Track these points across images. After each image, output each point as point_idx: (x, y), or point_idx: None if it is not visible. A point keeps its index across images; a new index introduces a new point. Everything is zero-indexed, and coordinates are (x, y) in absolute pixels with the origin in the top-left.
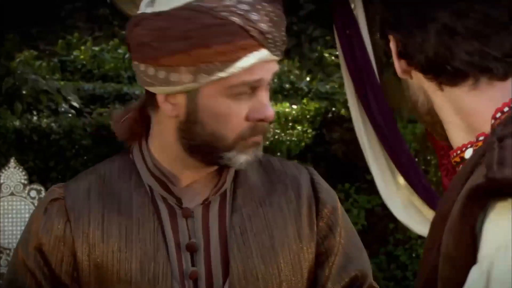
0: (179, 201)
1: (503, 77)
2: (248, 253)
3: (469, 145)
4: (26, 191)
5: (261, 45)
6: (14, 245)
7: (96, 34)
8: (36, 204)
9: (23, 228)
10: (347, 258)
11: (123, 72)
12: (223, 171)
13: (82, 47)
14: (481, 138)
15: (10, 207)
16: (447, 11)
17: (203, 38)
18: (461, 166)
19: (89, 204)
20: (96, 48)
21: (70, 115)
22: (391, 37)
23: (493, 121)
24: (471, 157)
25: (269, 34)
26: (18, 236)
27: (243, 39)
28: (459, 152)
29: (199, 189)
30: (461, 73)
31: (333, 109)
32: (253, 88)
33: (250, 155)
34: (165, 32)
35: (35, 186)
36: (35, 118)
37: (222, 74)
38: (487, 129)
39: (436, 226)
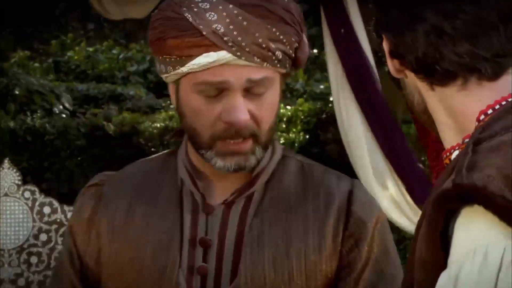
0: (203, 197)
1: (493, 77)
2: (259, 257)
3: (456, 147)
4: (20, 192)
5: (219, 46)
6: (9, 246)
7: (90, 35)
8: (30, 205)
9: (17, 228)
10: (379, 276)
11: (117, 72)
12: (253, 174)
13: (76, 48)
14: (466, 140)
15: (4, 208)
16: (435, 12)
17: (162, 30)
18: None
19: (122, 191)
20: (90, 49)
21: (64, 115)
22: (384, 37)
23: (477, 123)
24: (453, 160)
25: (228, 37)
26: (12, 237)
27: (194, 36)
28: (448, 154)
29: (225, 188)
30: (450, 74)
31: (327, 109)
32: (219, 89)
33: (231, 163)
34: (151, 23)
35: (29, 186)
36: (29, 118)
37: (182, 69)
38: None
39: (417, 230)
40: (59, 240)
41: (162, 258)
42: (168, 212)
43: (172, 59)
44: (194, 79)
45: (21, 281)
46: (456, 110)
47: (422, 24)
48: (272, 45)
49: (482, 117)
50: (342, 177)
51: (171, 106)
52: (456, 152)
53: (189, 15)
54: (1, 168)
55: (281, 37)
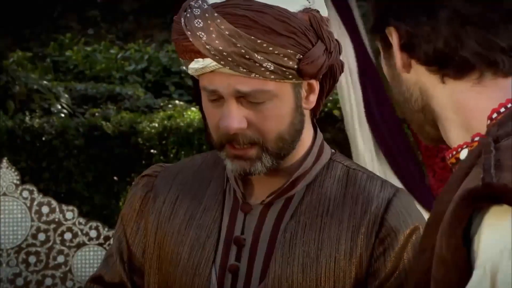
0: (244, 195)
1: (508, 73)
2: (289, 260)
3: (464, 146)
4: (19, 192)
5: (205, 54)
6: (7, 245)
7: (88, 34)
8: (28, 205)
9: (15, 228)
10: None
11: (114, 72)
12: (294, 176)
13: (75, 48)
14: (476, 138)
15: (2, 208)
16: (468, 3)
17: (172, 32)
18: (456, 167)
19: (172, 185)
20: (88, 49)
21: (63, 115)
22: (391, 30)
23: (489, 121)
24: (466, 158)
25: (210, 45)
26: (11, 236)
27: (185, 41)
28: (454, 153)
29: (266, 188)
30: (468, 65)
31: (325, 109)
32: (215, 96)
33: (236, 167)
34: None
35: (27, 186)
36: (27, 118)
37: (189, 71)
38: (483, 129)
39: (431, 227)
40: (57, 239)
41: (198, 254)
42: (210, 208)
43: (184, 61)
44: (200, 83)
45: (20, 281)
46: (467, 106)
47: (444, 11)
48: (258, 56)
49: (494, 115)
50: (387, 185)
51: (169, 106)
52: (465, 151)
53: (183, 20)
54: None
55: (271, 48)
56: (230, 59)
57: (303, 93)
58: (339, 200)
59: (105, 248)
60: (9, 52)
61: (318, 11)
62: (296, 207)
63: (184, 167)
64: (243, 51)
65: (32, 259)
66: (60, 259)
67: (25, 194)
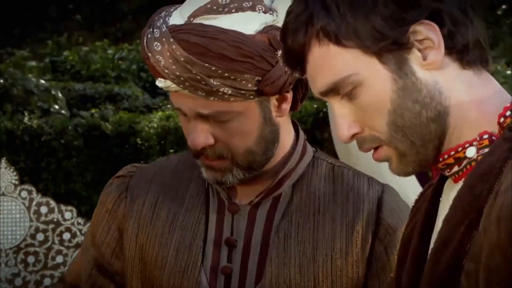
0: (229, 196)
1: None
2: (286, 260)
3: (467, 144)
4: (17, 192)
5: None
6: (6, 245)
7: (86, 34)
8: (27, 205)
9: (14, 228)
10: None
11: (111, 72)
12: (280, 175)
13: (72, 48)
14: (486, 136)
15: (1, 208)
16: None
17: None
18: (479, 162)
19: (150, 186)
20: (85, 48)
21: (61, 115)
22: (425, 23)
23: (502, 119)
24: (493, 152)
25: (168, 70)
26: (9, 236)
27: (148, 60)
28: (453, 153)
29: (252, 188)
30: (482, 53)
31: (324, 109)
32: (182, 112)
33: (208, 176)
34: None
35: (26, 186)
36: (26, 118)
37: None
38: (489, 127)
39: (452, 222)
40: (56, 239)
41: (185, 257)
42: (193, 210)
43: None
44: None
45: (18, 281)
46: (479, 100)
47: (472, 8)
48: (214, 82)
49: (508, 113)
50: (373, 181)
51: (168, 106)
52: (473, 148)
53: (145, 40)
54: None
55: (226, 74)
56: (188, 83)
57: (274, 103)
58: (329, 198)
59: None
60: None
61: (279, 28)
62: (286, 207)
63: (160, 167)
64: (198, 77)
65: (31, 259)
66: (59, 259)
67: (24, 194)
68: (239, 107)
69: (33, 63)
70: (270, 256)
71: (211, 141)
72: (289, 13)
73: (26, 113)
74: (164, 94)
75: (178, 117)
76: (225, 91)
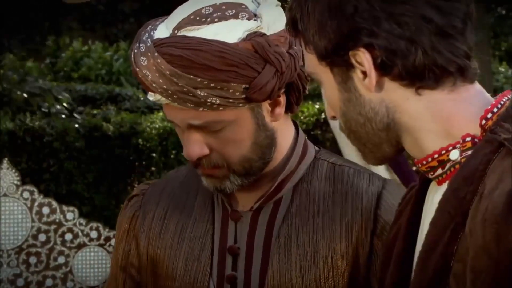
0: (232, 204)
1: (472, 79)
2: (287, 265)
3: (451, 147)
4: (19, 192)
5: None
6: (7, 246)
7: (87, 35)
8: (29, 205)
9: (16, 229)
10: None
11: (107, 72)
12: (279, 178)
13: (71, 48)
14: (468, 139)
15: (3, 208)
16: (437, 11)
17: None
18: (462, 164)
19: (159, 200)
20: (86, 49)
21: (63, 116)
22: (359, 51)
23: (484, 121)
24: (476, 155)
25: (155, 84)
26: (11, 237)
27: (135, 74)
28: (437, 156)
29: (254, 194)
30: (445, 74)
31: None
32: (176, 124)
33: (208, 184)
34: None
35: (28, 187)
36: (28, 119)
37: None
38: (470, 130)
39: (438, 225)
40: (58, 240)
41: (194, 267)
42: (200, 220)
43: None
44: None
45: (20, 281)
46: (446, 114)
47: (418, 21)
48: (200, 93)
49: (489, 115)
50: (374, 178)
51: None
52: (456, 151)
53: (133, 54)
54: (0, 169)
55: (212, 84)
56: (176, 96)
57: (267, 108)
58: (329, 199)
59: (105, 249)
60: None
61: (263, 34)
62: (286, 210)
63: (170, 179)
64: (185, 89)
65: (33, 259)
66: (61, 259)
67: (26, 195)
68: (230, 116)
69: (30, 63)
70: (271, 262)
71: (205, 151)
72: None
73: (28, 114)
74: None
75: None
76: (213, 101)
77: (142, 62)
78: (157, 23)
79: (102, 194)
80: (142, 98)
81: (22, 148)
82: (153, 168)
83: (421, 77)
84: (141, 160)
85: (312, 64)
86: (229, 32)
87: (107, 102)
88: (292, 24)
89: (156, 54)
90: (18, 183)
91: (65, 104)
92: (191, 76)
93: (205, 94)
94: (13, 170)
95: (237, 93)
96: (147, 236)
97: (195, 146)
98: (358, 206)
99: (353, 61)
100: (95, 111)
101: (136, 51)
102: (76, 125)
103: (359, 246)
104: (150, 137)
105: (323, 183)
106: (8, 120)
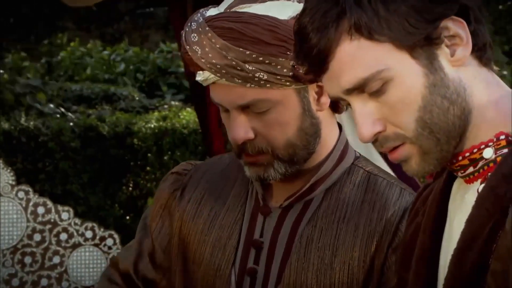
0: (265, 198)
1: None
2: (304, 266)
3: (483, 145)
4: (14, 192)
5: (203, 68)
6: (2, 246)
7: (83, 34)
8: (24, 205)
9: (11, 228)
10: None
11: (108, 72)
12: (313, 180)
13: (68, 48)
14: (502, 137)
15: None
16: None
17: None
18: (493, 165)
19: (199, 183)
20: (82, 49)
21: (58, 115)
22: (454, 18)
23: None
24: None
25: (204, 59)
26: (6, 237)
27: (186, 54)
28: (468, 154)
29: (287, 191)
30: (488, 50)
31: None
32: (222, 107)
33: (251, 173)
34: None
35: (23, 187)
36: (23, 119)
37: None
38: (504, 127)
39: (475, 223)
40: (53, 240)
41: (219, 256)
42: (233, 209)
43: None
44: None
45: (15, 281)
46: (497, 99)
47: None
48: (249, 67)
49: None
50: (405, 192)
51: (165, 106)
52: (490, 150)
53: (184, 34)
54: None
55: (261, 58)
56: (224, 71)
57: (313, 96)
58: (357, 206)
59: (100, 249)
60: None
61: None
62: (314, 212)
63: (213, 165)
64: (234, 63)
65: (28, 259)
66: (56, 259)
67: (21, 194)
68: (277, 96)
69: (29, 63)
70: (290, 260)
71: (250, 135)
72: (309, 12)
73: (23, 114)
74: (160, 95)
75: (174, 117)
76: (260, 76)
77: (192, 39)
78: (209, 7)
79: (97, 194)
80: (137, 98)
81: (17, 148)
82: (148, 168)
83: (485, 49)
84: (137, 160)
85: (384, 58)
86: (280, 10)
87: (102, 102)
88: (343, 33)
89: (207, 28)
90: (13, 183)
91: (59, 102)
92: (241, 49)
93: (253, 68)
94: (8, 170)
95: (285, 70)
96: (180, 217)
97: (240, 129)
98: (383, 217)
99: (442, 34)
100: (90, 111)
101: (187, 29)
102: (71, 125)
103: (376, 256)
104: (146, 137)
105: (355, 191)
106: (3, 120)
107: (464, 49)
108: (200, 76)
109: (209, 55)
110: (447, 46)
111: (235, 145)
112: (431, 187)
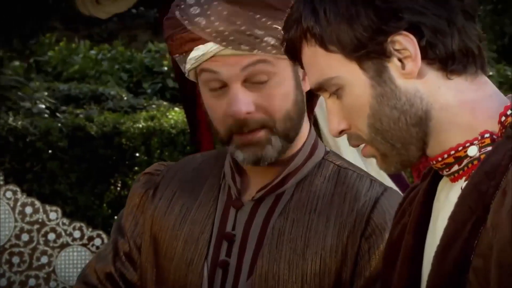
0: (238, 192)
1: (486, 71)
2: (276, 257)
3: (468, 144)
4: (2, 192)
5: (206, 39)
6: None
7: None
8: (11, 205)
9: None
10: None
11: (92, 72)
12: (285, 173)
13: (56, 48)
14: (487, 135)
15: None
16: None
17: (165, 32)
18: (477, 162)
19: (171, 182)
20: (70, 48)
21: (46, 115)
22: (400, 35)
23: (504, 118)
24: (497, 150)
25: (209, 28)
26: None
27: (182, 32)
28: (453, 152)
29: (260, 184)
30: (470, 58)
31: None
32: (220, 83)
33: (248, 154)
34: None
35: (11, 187)
36: (11, 119)
37: (187, 66)
38: (489, 126)
39: (458, 219)
40: (41, 240)
41: (191, 249)
42: (205, 204)
43: (179, 58)
44: (199, 74)
45: (3, 281)
46: (470, 106)
47: (458, 4)
48: (259, 32)
49: (509, 112)
50: (375, 184)
51: (153, 106)
52: (474, 147)
53: (178, 12)
54: None
55: (269, 23)
56: (232, 38)
57: (301, 71)
58: (328, 198)
59: (88, 249)
60: None
61: None
62: (285, 204)
63: (185, 164)
64: (243, 28)
65: (16, 259)
66: (44, 259)
67: (9, 194)
68: (277, 65)
69: (17, 63)
70: (262, 252)
71: (251, 108)
72: (292, 6)
73: (10, 114)
74: (148, 95)
75: (162, 117)
76: (268, 41)
77: (193, 12)
78: None
79: (85, 194)
80: (125, 98)
81: (5, 148)
82: (136, 168)
83: (453, 60)
84: (125, 159)
85: (335, 66)
86: None
87: (90, 101)
88: (301, 37)
89: (216, 1)
90: (1, 182)
91: (48, 100)
92: (250, 13)
93: (262, 33)
94: None
95: None
96: (152, 214)
97: (242, 102)
98: (354, 207)
99: (391, 48)
100: (78, 111)
101: (183, 6)
102: (59, 125)
103: (349, 246)
104: (134, 137)
105: (325, 184)
106: None
107: (414, 63)
108: (198, 51)
109: (216, 23)
110: (399, 59)
111: (235, 122)
112: (418, 188)
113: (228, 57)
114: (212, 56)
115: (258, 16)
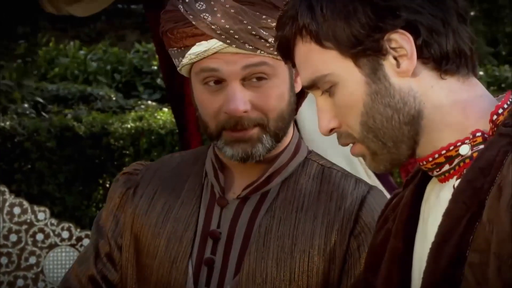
0: (222, 190)
1: (476, 73)
2: (264, 254)
3: (459, 143)
4: None
5: (210, 35)
6: None
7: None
8: (0, 206)
9: None
10: None
11: (82, 72)
12: (270, 171)
13: (44, 48)
14: (478, 134)
15: None
16: None
17: (163, 24)
18: (469, 161)
19: (151, 181)
20: (59, 48)
21: (33, 115)
22: (400, 32)
23: (495, 116)
24: (491, 147)
25: (215, 25)
26: None
27: (186, 26)
28: (444, 152)
29: (244, 182)
30: (463, 59)
31: None
32: (218, 79)
33: (238, 151)
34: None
35: None
36: None
37: (184, 60)
38: (480, 126)
39: (453, 216)
40: (29, 240)
41: (175, 248)
42: (188, 203)
43: (176, 52)
44: (194, 69)
45: None
46: (461, 106)
47: (453, 5)
48: (264, 32)
49: (500, 110)
50: (361, 182)
51: (142, 106)
52: (466, 146)
53: (181, 6)
54: None
55: (273, 24)
56: (237, 36)
57: (294, 73)
58: (314, 197)
59: (77, 249)
60: None
61: None
62: (271, 202)
63: (164, 164)
64: (249, 27)
65: (4, 260)
66: (32, 260)
67: None
68: (275, 66)
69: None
70: (249, 250)
71: (248, 106)
72: (287, 4)
73: None
74: (137, 95)
75: (151, 117)
76: (271, 41)
77: (198, 7)
78: None
79: (74, 194)
80: (114, 98)
81: None
82: (124, 168)
83: (447, 60)
84: (113, 160)
85: (329, 63)
86: None
87: (79, 102)
88: (296, 34)
89: None
90: None
91: (38, 99)
92: (257, 13)
93: (267, 33)
94: None
95: None
96: (133, 212)
97: (240, 100)
98: (341, 206)
99: (387, 46)
100: (66, 111)
101: (187, 0)
102: (48, 125)
103: (337, 244)
104: (122, 137)
105: (311, 182)
106: None
107: (409, 62)
108: (201, 47)
109: (222, 20)
110: (394, 57)
111: (229, 119)
112: (401, 195)
113: (229, 55)
114: (215, 53)
115: (264, 16)
